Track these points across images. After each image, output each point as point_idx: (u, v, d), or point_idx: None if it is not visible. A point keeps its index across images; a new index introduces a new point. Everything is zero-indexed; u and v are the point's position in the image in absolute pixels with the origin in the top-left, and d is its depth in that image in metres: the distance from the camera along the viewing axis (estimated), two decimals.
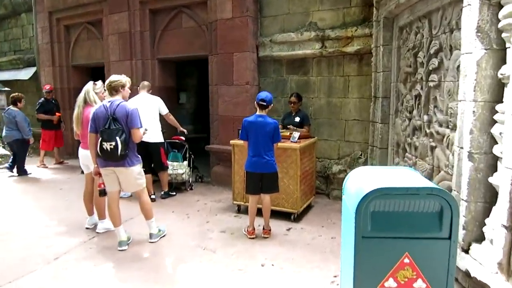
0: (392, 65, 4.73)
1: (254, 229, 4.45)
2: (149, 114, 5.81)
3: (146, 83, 6.21)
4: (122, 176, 4.12)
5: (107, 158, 3.97)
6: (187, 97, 10.56)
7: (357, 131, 5.75)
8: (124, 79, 4.17)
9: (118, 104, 3.99)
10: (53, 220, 5.08)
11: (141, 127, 4.07)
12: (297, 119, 5.76)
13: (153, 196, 5.93)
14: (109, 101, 4.05)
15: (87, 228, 4.76)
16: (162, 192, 6.10)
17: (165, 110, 6.05)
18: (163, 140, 6.06)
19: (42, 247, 4.21)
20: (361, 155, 5.66)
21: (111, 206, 4.21)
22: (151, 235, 4.37)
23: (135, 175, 4.14)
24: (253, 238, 4.39)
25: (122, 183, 4.18)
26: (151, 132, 5.76)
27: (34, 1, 9.49)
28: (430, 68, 3.56)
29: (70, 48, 9.28)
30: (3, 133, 7.80)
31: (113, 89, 4.09)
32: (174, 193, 6.22)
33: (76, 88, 9.16)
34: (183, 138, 6.56)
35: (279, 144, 4.77)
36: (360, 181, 2.39)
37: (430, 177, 3.52)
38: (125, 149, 3.94)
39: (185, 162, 6.39)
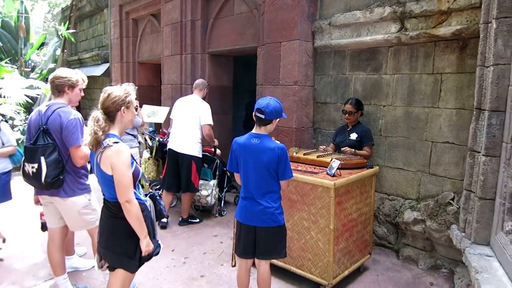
0: None
1: None
2: (186, 119, 4.76)
3: (199, 82, 5.04)
4: (61, 209, 2.96)
5: (31, 184, 2.85)
6: None
7: (450, 160, 3.66)
8: (76, 76, 2.98)
9: (54, 111, 2.81)
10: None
11: (81, 144, 2.80)
12: (354, 135, 3.93)
13: (164, 220, 4.73)
14: (46, 105, 2.90)
15: None
16: (180, 218, 4.86)
17: (205, 120, 4.74)
18: (198, 155, 4.78)
19: None
20: (453, 199, 3.56)
21: (49, 247, 3.08)
22: None
23: (78, 208, 2.92)
24: None
25: (63, 218, 3.01)
26: (183, 140, 4.70)
27: None
28: None
29: (137, 43, 8.74)
30: None
31: (56, 88, 2.93)
32: (198, 220, 4.93)
33: (142, 87, 8.61)
34: (213, 150, 5.18)
35: (304, 176, 3.11)
36: None
37: None
38: (56, 174, 2.75)
39: (213, 182, 5.01)
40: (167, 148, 4.93)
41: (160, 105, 7.15)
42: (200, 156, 4.84)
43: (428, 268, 3.68)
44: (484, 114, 2.86)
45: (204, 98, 4.96)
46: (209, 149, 5.27)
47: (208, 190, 4.93)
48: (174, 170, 4.80)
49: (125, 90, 2.33)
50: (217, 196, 5.09)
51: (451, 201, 3.53)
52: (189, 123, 4.74)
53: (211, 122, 4.82)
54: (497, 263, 2.59)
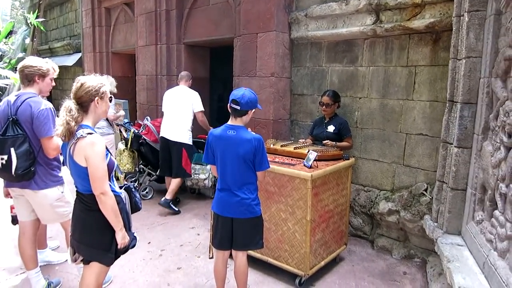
0: (485, 46, 2.71)
1: None
2: (177, 108, 4.93)
3: (184, 73, 5.26)
4: (33, 202, 2.87)
5: (0, 176, 2.76)
6: None
7: (423, 152, 3.73)
8: (46, 66, 2.87)
9: (24, 101, 2.70)
10: None
11: (53, 135, 2.71)
12: (331, 128, 3.94)
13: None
14: (15, 95, 2.78)
15: None
16: (163, 198, 4.85)
17: (198, 107, 4.99)
18: (188, 142, 4.96)
19: None
20: (426, 189, 3.64)
21: (21, 241, 2.99)
22: None
23: (50, 201, 2.84)
24: None
25: (35, 211, 2.92)
26: (174, 128, 4.85)
27: None
28: None
29: (110, 33, 8.50)
30: None
31: (25, 78, 2.81)
32: (177, 209, 4.94)
33: (116, 77, 8.38)
34: None
35: (281, 168, 3.10)
36: None
37: None
38: (27, 166, 2.66)
39: (209, 166, 5.06)
40: (159, 136, 5.08)
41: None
42: (191, 143, 5.00)
43: (402, 258, 3.76)
44: (457, 106, 2.92)
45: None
46: (204, 136, 5.32)
47: (205, 174, 5.18)
48: (166, 156, 5.00)
49: (98, 80, 2.26)
50: (213, 179, 5.26)
51: (424, 192, 3.61)
52: (181, 111, 4.89)
53: (203, 109, 5.01)
54: (468, 252, 2.67)
